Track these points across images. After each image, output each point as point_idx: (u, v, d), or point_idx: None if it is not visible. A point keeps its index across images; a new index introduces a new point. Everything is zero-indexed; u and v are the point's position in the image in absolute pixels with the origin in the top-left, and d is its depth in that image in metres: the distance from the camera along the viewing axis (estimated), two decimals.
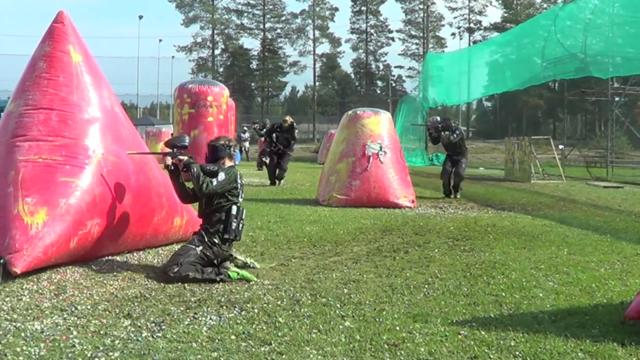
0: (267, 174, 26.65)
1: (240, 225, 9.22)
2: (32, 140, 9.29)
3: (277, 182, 26.02)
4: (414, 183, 19.62)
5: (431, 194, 21.51)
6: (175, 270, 8.56)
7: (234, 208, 9.14)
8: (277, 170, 26.04)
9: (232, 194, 9.15)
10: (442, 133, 20.16)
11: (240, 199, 9.33)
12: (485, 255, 10.90)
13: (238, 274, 8.85)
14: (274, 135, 26.01)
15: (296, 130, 26.47)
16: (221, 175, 9.03)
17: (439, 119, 21.88)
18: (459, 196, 21.22)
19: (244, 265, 9.47)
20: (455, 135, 20.00)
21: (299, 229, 13.47)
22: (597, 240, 12.64)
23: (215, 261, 9.05)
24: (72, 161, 8.90)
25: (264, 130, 31.72)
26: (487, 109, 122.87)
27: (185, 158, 9.08)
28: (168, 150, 9.26)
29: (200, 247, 8.90)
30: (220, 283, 8.58)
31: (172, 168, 9.17)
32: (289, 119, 26.33)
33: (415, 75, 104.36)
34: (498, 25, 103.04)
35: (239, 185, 9.26)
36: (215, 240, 9.03)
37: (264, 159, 33.92)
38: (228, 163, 9.46)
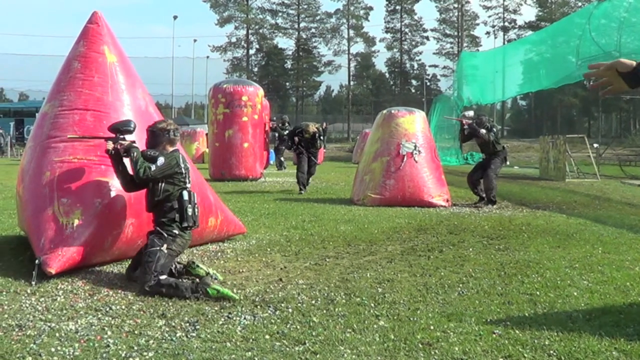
0: (297, 178, 23.09)
1: (196, 210, 8.79)
2: (67, 141, 9.34)
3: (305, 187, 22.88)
4: (449, 182, 19.53)
5: (465, 193, 21.37)
6: (152, 284, 8.00)
7: (185, 194, 8.69)
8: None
9: (177, 179, 8.70)
10: (480, 130, 19.09)
11: (189, 184, 8.87)
12: (519, 254, 10.84)
13: (218, 292, 7.95)
14: (295, 139, 23.73)
15: (320, 140, 24.12)
16: (160, 160, 8.58)
17: (472, 113, 21.38)
18: (490, 206, 18.59)
19: (206, 275, 8.80)
20: (493, 133, 19.05)
21: (334, 229, 13.48)
22: (632, 239, 12.54)
23: (178, 266, 8.88)
24: (107, 161, 8.89)
25: (286, 131, 31.60)
26: (521, 107, 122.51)
27: (126, 143, 8.71)
28: (111, 135, 8.82)
29: (165, 245, 8.43)
30: (254, 286, 8.56)
31: (113, 152, 8.71)
32: (311, 128, 23.62)
33: (449, 74, 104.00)
34: (532, 23, 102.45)
35: (182, 169, 8.76)
36: (175, 231, 8.56)
37: (282, 158, 33.92)
38: (169, 148, 8.87)
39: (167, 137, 8.81)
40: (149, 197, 8.74)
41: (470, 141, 20.45)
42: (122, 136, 8.73)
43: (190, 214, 8.65)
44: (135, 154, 8.51)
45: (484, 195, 18.59)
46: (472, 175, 19.02)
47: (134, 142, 8.73)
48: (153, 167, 8.47)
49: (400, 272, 9.36)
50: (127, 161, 8.67)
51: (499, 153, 18.72)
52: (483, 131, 18.46)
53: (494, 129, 18.96)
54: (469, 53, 76.30)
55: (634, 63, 2.86)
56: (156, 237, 8.46)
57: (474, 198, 19.21)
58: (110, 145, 8.65)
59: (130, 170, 8.67)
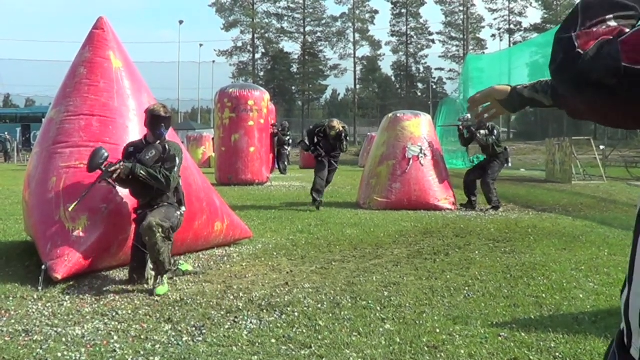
0: (313, 185, 18.91)
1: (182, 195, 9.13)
2: (73, 147, 9.39)
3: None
4: (455, 185, 19.51)
5: None
6: (161, 243, 8.24)
7: (180, 180, 9.03)
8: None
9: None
10: (478, 133, 18.91)
11: None
12: (525, 256, 10.84)
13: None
14: (315, 139, 19.26)
15: (346, 142, 19.22)
16: (177, 161, 8.78)
17: (469, 116, 21.07)
18: (492, 211, 18.04)
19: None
20: (494, 136, 18.74)
21: (340, 232, 13.48)
22: None
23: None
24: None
25: (287, 136, 31.29)
26: (527, 110, 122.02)
27: (120, 167, 8.46)
28: (97, 174, 8.61)
29: (179, 211, 8.83)
30: (260, 290, 8.58)
31: (116, 185, 8.72)
32: (337, 125, 18.96)
33: (455, 77, 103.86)
34: (538, 26, 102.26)
35: None
36: (181, 210, 8.95)
37: (286, 163, 33.15)
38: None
39: (169, 122, 8.98)
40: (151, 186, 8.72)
41: (472, 144, 20.12)
42: (107, 168, 8.50)
43: (182, 198, 9.04)
44: (142, 171, 8.49)
45: (474, 199, 18.39)
46: (469, 175, 18.80)
47: (121, 161, 8.61)
48: (175, 169, 8.71)
49: (406, 276, 9.37)
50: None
51: (499, 155, 18.50)
52: (482, 132, 18.22)
53: (495, 131, 18.68)
54: (475, 56, 76.17)
55: (508, 88, 2.86)
56: (172, 206, 8.73)
57: (480, 202, 19.13)
58: (106, 181, 8.60)
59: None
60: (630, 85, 1.74)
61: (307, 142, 19.49)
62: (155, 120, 8.72)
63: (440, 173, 18.45)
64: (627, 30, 1.80)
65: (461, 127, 19.15)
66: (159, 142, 8.78)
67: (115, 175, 8.44)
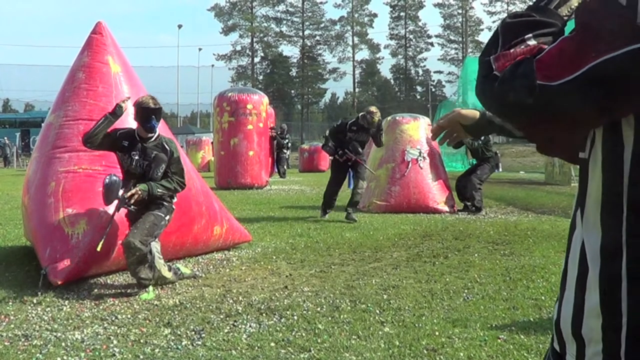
0: (324, 195, 17.00)
1: None
2: (72, 151, 9.40)
3: (327, 212, 16.79)
4: (454, 188, 19.51)
5: None
6: (145, 250, 8.15)
7: None
8: (351, 196, 16.48)
9: None
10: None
11: None
12: (525, 259, 10.83)
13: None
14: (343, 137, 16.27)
15: (382, 132, 16.65)
16: (181, 162, 8.89)
17: None
18: (475, 212, 17.98)
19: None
20: (480, 141, 18.15)
21: (339, 236, 13.49)
22: None
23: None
24: (112, 171, 8.90)
25: (286, 139, 31.16)
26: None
27: (138, 192, 8.30)
28: (116, 203, 8.43)
29: (167, 217, 8.66)
30: (259, 293, 8.58)
31: (136, 208, 8.50)
32: (374, 109, 16.15)
33: (454, 79, 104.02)
34: None
35: None
36: (173, 204, 8.86)
37: (286, 167, 32.74)
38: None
39: (160, 113, 8.79)
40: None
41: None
42: (124, 195, 8.36)
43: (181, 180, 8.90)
44: (160, 190, 8.49)
45: (469, 203, 18.34)
46: (460, 181, 18.72)
47: (133, 183, 8.49)
48: (184, 170, 8.90)
49: (405, 279, 9.37)
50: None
51: (489, 159, 18.46)
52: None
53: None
54: (474, 58, 75.91)
55: (477, 114, 2.81)
56: (162, 208, 8.57)
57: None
58: (127, 207, 8.50)
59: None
60: (546, 103, 1.78)
61: (332, 145, 16.39)
62: (145, 113, 8.51)
63: (439, 176, 18.46)
64: (546, 47, 1.83)
65: None
66: (154, 139, 8.66)
67: (133, 201, 8.33)
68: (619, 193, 1.81)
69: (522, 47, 1.88)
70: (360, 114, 16.55)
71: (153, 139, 8.67)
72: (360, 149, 16.20)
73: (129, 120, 8.93)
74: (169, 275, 8.69)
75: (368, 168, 16.94)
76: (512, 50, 1.89)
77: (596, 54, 1.71)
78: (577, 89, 1.74)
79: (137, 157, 8.51)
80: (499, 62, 1.91)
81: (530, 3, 2.09)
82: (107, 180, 8.28)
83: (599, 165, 1.88)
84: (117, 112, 8.48)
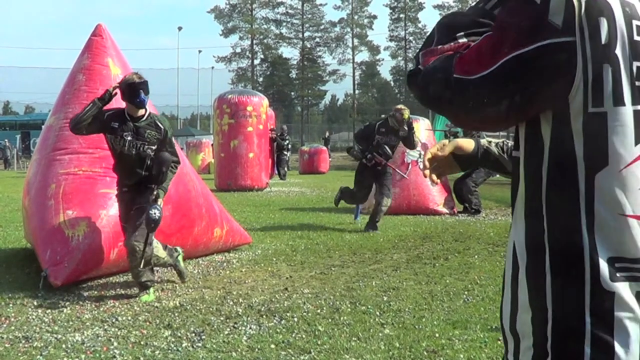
0: (352, 194, 15.46)
1: None
2: (72, 153, 9.40)
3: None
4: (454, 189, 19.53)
5: None
6: (143, 245, 8.06)
7: None
8: (375, 207, 14.92)
9: None
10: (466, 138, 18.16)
11: None
12: None
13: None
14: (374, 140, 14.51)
15: (414, 131, 14.99)
16: (176, 148, 8.91)
17: None
18: (472, 213, 18.00)
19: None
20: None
21: (339, 237, 13.49)
22: None
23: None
24: (111, 173, 8.90)
25: (286, 141, 30.93)
26: None
27: (160, 197, 8.46)
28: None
29: (160, 201, 8.47)
30: (259, 295, 8.58)
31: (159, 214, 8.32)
32: (402, 106, 15.01)
33: None
34: None
35: None
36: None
37: (286, 168, 32.43)
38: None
39: (146, 87, 8.53)
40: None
41: None
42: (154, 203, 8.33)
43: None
44: (162, 191, 8.48)
45: (467, 205, 18.42)
46: (457, 184, 18.72)
47: (157, 194, 8.45)
48: (177, 151, 8.87)
49: (405, 280, 9.38)
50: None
51: None
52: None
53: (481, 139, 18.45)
54: None
55: (472, 144, 2.74)
56: (158, 205, 8.38)
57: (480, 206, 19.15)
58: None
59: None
60: (463, 96, 1.89)
61: (360, 147, 14.91)
62: (132, 88, 8.29)
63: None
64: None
65: (448, 133, 19.15)
66: (146, 117, 8.51)
67: (153, 202, 8.32)
68: (538, 189, 1.90)
69: (452, 43, 1.99)
70: (388, 115, 15.25)
71: (144, 117, 8.51)
72: (391, 153, 14.58)
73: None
74: (163, 254, 8.69)
75: (399, 172, 16.53)
76: (439, 47, 2.00)
77: (508, 50, 1.80)
78: (490, 84, 1.84)
79: (129, 138, 8.34)
80: (425, 58, 2.01)
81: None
82: (157, 216, 8.19)
83: (522, 163, 1.98)
84: (105, 97, 8.32)
